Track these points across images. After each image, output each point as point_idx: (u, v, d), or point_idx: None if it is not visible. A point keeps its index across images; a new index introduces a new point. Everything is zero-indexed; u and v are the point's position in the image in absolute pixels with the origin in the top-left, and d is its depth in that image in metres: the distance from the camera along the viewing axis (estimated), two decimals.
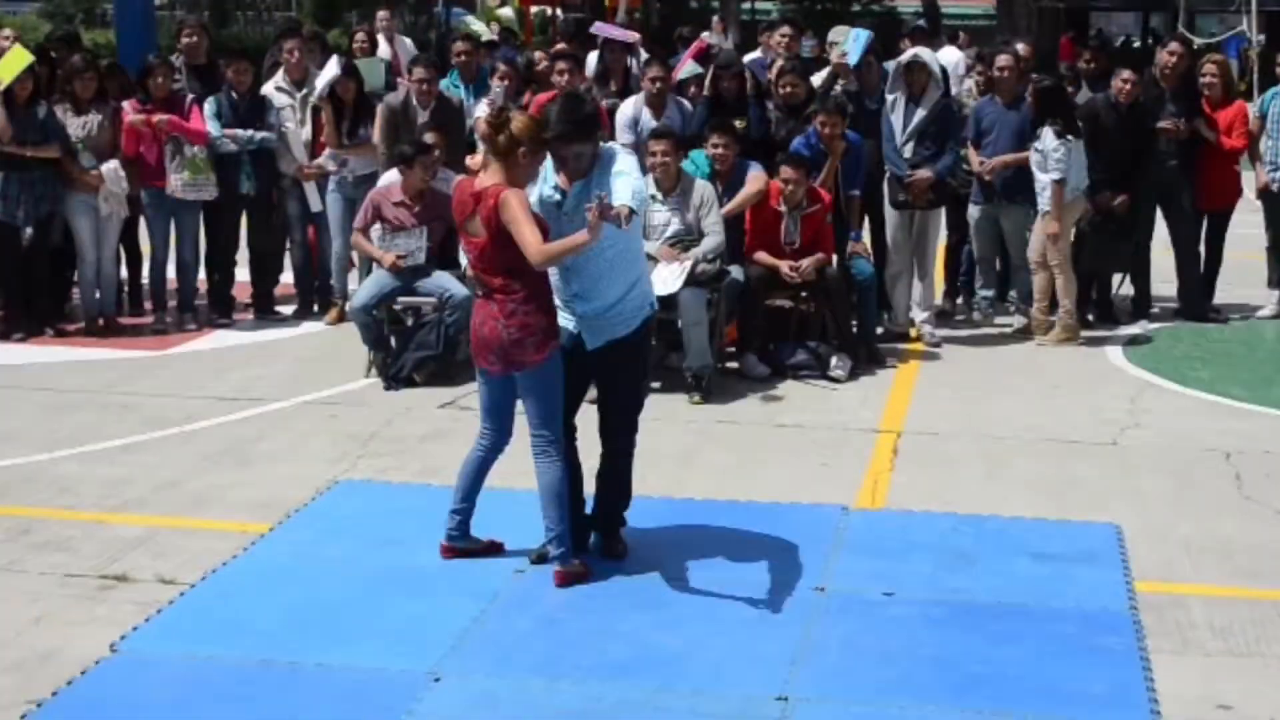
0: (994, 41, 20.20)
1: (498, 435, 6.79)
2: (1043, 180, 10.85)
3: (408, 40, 17.58)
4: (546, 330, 6.45)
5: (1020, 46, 12.24)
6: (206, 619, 6.20)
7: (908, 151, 10.95)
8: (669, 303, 9.61)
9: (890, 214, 11.19)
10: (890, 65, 11.46)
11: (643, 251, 7.04)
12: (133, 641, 5.95)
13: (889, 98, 11.03)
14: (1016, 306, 11.71)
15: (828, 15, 37.39)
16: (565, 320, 6.63)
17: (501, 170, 6.41)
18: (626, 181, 6.32)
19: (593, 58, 13.13)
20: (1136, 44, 41.50)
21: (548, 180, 6.65)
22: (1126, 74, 11.54)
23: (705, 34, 14.65)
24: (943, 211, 11.32)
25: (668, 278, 9.56)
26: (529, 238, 6.27)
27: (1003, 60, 11.58)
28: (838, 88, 11.47)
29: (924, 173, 10.87)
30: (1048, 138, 10.80)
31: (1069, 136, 10.81)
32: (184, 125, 11.39)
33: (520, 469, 7.06)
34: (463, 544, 6.81)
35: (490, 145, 6.49)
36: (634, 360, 6.73)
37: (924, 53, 11.26)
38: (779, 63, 11.86)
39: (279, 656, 5.83)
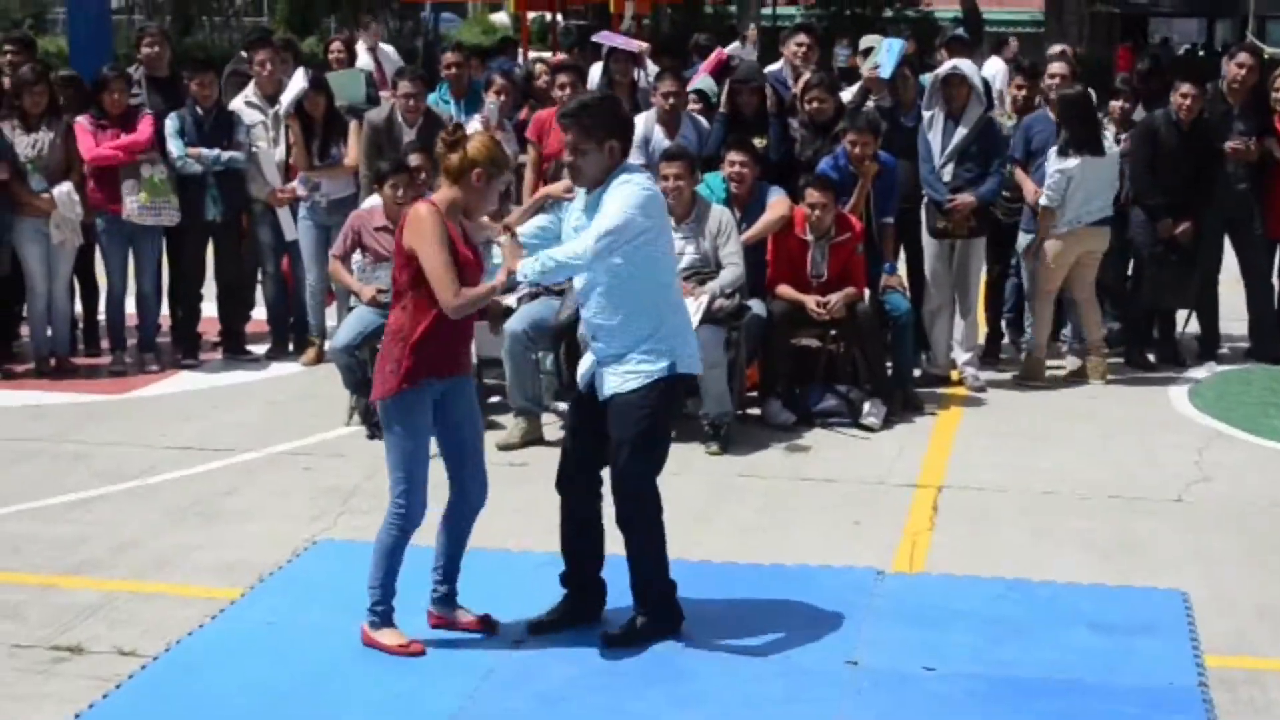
0: (1042, 50, 20.25)
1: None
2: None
3: (391, 50, 17.67)
4: (400, 367, 6.40)
5: (1063, 49, 12.28)
6: (171, 696, 6.20)
7: (947, 174, 10.96)
8: None
9: (929, 243, 11.20)
10: (927, 79, 11.51)
11: (670, 299, 6.77)
12: None
13: (926, 115, 11.05)
14: (1070, 346, 11.73)
15: (858, 21, 37.57)
16: (585, 361, 6.78)
17: (451, 192, 6.45)
18: (571, 243, 6.47)
19: (596, 70, 13.19)
20: (1202, 52, 41.58)
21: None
22: (1186, 88, 11.54)
23: (734, 44, 14.72)
24: (984, 241, 11.31)
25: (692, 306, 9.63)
26: (438, 270, 6.28)
27: (1056, 68, 11.64)
28: (870, 103, 11.48)
29: (966, 197, 10.89)
30: (1052, 154, 10.89)
31: (1083, 153, 10.90)
32: (122, 145, 11.41)
33: (513, 528, 7.06)
34: (449, 613, 6.80)
35: (442, 163, 6.52)
36: (630, 425, 6.56)
37: (964, 65, 11.26)
38: (803, 76, 11.87)
39: None
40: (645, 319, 6.56)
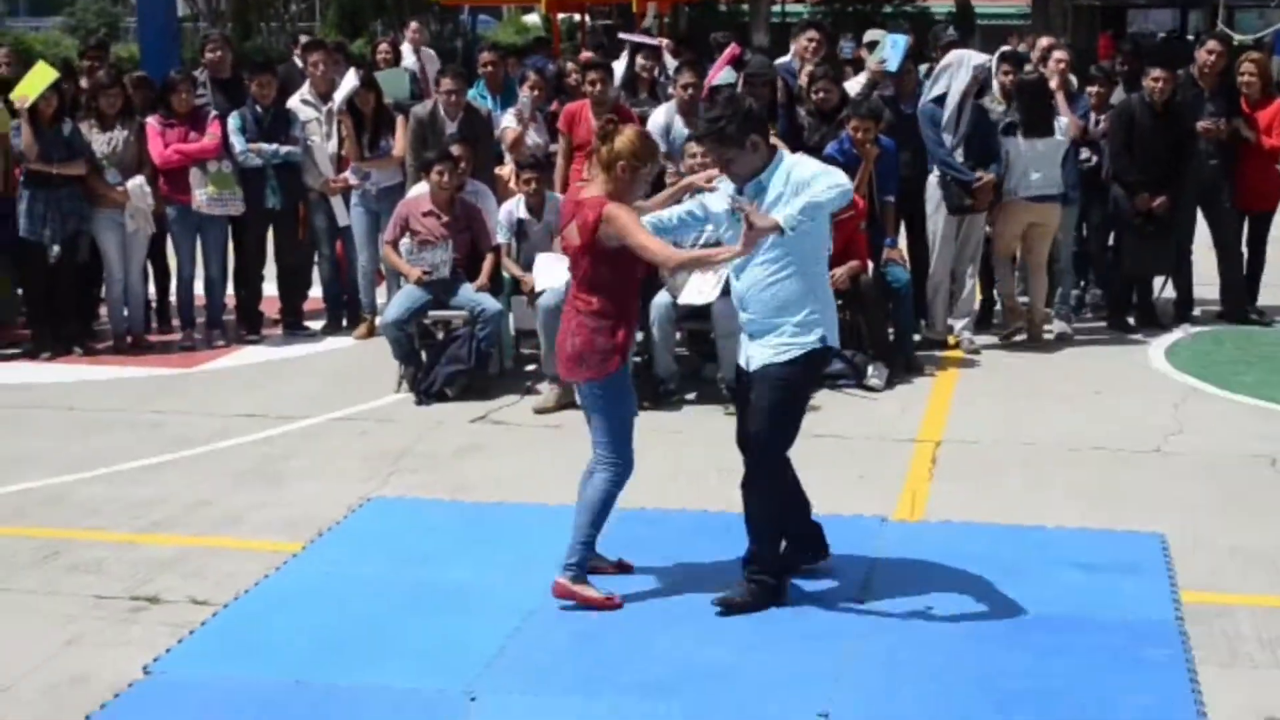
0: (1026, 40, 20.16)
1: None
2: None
3: (432, 53, 17.68)
4: (608, 352, 6.37)
5: (1045, 41, 12.23)
6: (239, 640, 6.23)
7: (959, 156, 10.93)
8: (703, 313, 9.68)
9: (941, 220, 11.11)
10: (927, 69, 11.48)
11: (823, 271, 6.50)
12: (165, 663, 5.98)
13: (945, 104, 10.96)
14: (1058, 311, 11.68)
15: (859, 16, 37.43)
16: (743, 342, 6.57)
17: (605, 183, 6.41)
18: (803, 196, 6.02)
19: (620, 64, 13.17)
20: (1188, 36, 41.20)
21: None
22: (1157, 72, 11.48)
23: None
24: (984, 215, 11.24)
25: (704, 288, 9.60)
26: (648, 243, 6.25)
27: (1060, 54, 11.63)
28: (875, 95, 11.44)
29: (989, 175, 10.86)
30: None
31: (1031, 136, 10.91)
32: (188, 151, 11.45)
33: (548, 485, 7.03)
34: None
35: (596, 155, 6.51)
36: (772, 394, 6.34)
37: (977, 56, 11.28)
38: (808, 68, 11.83)
39: (312, 678, 5.86)
40: (806, 287, 6.29)
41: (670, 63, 12.61)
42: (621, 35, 14.22)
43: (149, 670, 5.92)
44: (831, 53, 13.22)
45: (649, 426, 9.26)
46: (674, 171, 9.85)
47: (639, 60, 12.54)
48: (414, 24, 17.87)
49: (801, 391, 6.48)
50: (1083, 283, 12.44)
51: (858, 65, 13.13)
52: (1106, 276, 12.13)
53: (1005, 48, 14.37)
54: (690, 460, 8.20)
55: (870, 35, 13.38)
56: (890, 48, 11.61)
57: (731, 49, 12.80)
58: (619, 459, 6.49)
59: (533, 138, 11.65)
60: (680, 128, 10.94)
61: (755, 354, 6.40)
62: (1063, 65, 11.62)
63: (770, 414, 6.36)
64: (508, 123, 11.70)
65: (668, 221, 6.68)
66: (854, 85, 11.82)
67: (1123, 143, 11.41)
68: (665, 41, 14.01)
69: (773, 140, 6.56)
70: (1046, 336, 11.42)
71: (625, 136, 6.41)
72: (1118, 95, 12.04)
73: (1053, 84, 11.38)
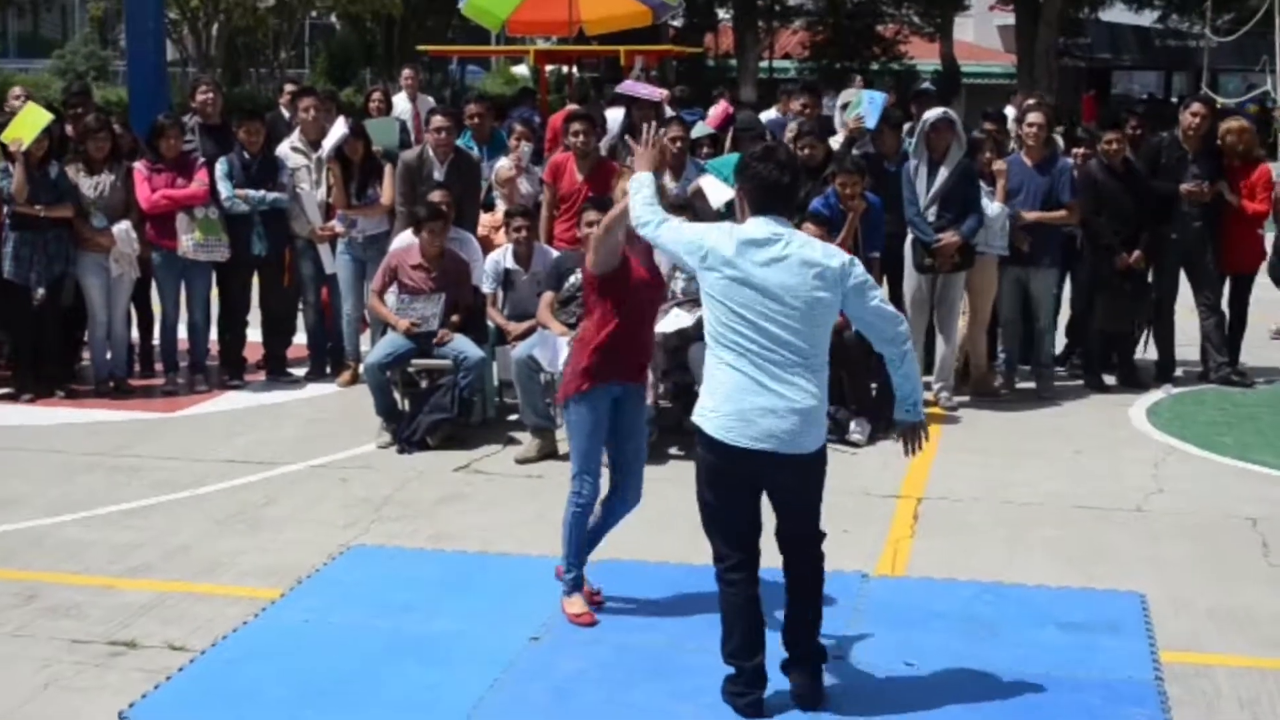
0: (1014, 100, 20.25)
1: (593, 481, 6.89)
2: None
3: (429, 99, 17.76)
4: (578, 374, 6.73)
5: (1029, 100, 12.28)
6: (216, 687, 6.19)
7: (931, 215, 10.94)
8: (686, 363, 9.74)
9: (910, 278, 11.18)
10: (909, 127, 11.52)
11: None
12: (141, 710, 5.94)
13: (912, 162, 11.04)
14: (1035, 370, 11.72)
15: (846, 73, 37.63)
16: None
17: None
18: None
19: (617, 115, 13.22)
20: (1172, 99, 41.51)
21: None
22: (1110, 135, 11.70)
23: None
24: (964, 275, 11.24)
25: (684, 317, 9.71)
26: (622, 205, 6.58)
27: (1034, 117, 11.57)
28: (855, 151, 11.50)
29: (951, 237, 10.87)
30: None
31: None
32: (175, 196, 11.45)
33: (532, 535, 7.02)
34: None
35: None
36: (820, 482, 6.04)
37: (950, 111, 11.24)
38: (792, 124, 11.93)
39: None
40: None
41: (670, 113, 12.70)
42: (620, 88, 14.27)
43: (125, 716, 5.88)
44: (818, 112, 13.42)
45: None
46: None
47: (635, 112, 12.61)
48: (408, 71, 17.91)
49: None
50: (1067, 341, 12.50)
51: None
52: (1082, 334, 12.20)
53: (989, 108, 14.48)
54: (672, 513, 8.19)
55: (844, 96, 13.47)
56: (867, 104, 11.69)
57: (724, 106, 12.89)
58: (579, 483, 6.80)
59: (525, 186, 11.68)
60: (666, 180, 10.97)
61: (814, 433, 5.87)
62: (1035, 129, 11.60)
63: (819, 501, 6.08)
64: (503, 164, 11.72)
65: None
66: (835, 143, 11.88)
67: (1092, 208, 11.52)
68: (663, 93, 14.11)
69: None
70: (1004, 393, 11.54)
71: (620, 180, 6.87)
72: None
73: (987, 157, 11.46)
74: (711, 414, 5.83)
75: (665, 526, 7.92)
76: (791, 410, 5.69)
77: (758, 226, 5.79)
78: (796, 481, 5.91)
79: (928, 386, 11.34)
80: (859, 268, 5.82)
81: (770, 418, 5.70)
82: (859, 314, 5.85)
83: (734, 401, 5.75)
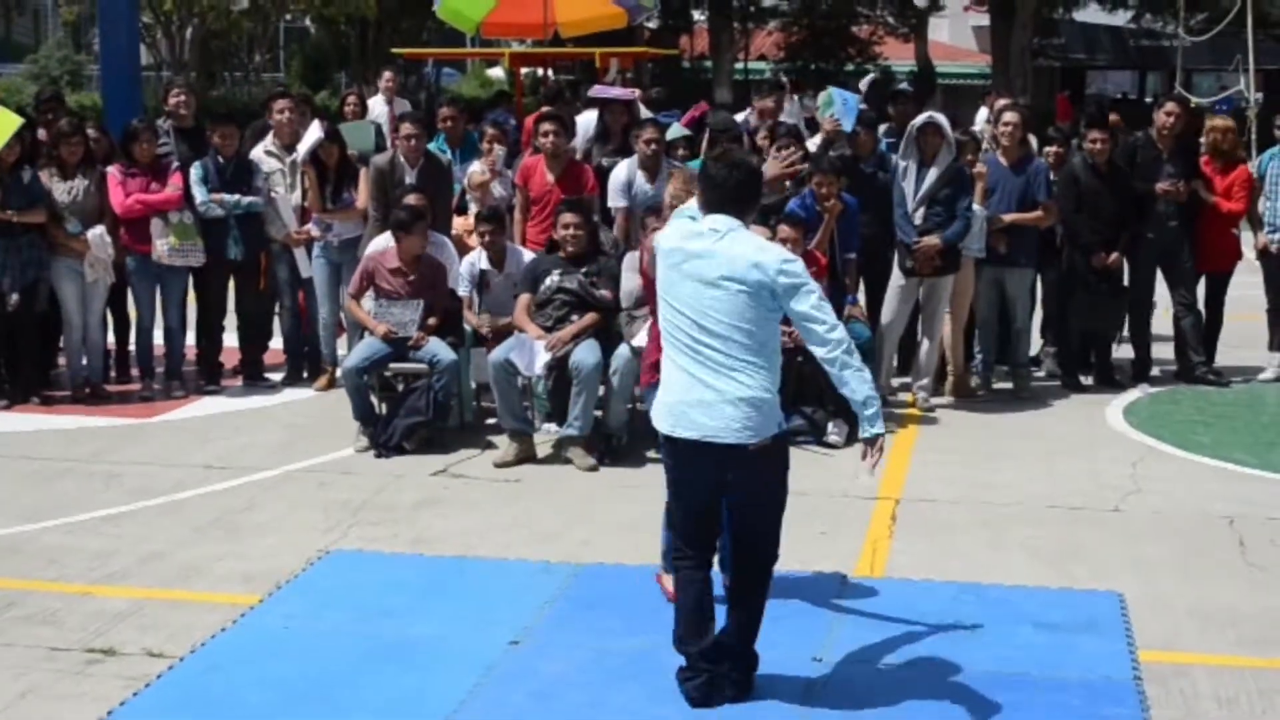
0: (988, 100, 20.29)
1: None
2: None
3: (406, 102, 17.74)
4: (646, 368, 7.03)
5: (1001, 101, 12.28)
6: (195, 694, 6.18)
7: (918, 218, 10.92)
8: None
9: (894, 280, 11.19)
10: (886, 127, 11.54)
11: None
12: (120, 717, 5.93)
13: (901, 164, 11.01)
14: (1013, 371, 11.75)
15: (821, 74, 37.72)
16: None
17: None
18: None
19: (590, 117, 13.22)
20: (1147, 99, 41.67)
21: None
22: (1095, 134, 11.68)
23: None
24: (951, 279, 11.20)
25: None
26: None
27: (1010, 117, 11.58)
28: (831, 152, 11.51)
29: (931, 240, 10.86)
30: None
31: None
32: (149, 201, 11.42)
33: (510, 540, 7.00)
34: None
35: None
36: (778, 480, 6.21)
37: (938, 116, 11.25)
38: (762, 127, 11.95)
39: None
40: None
41: (646, 114, 12.70)
42: (591, 92, 14.27)
43: None
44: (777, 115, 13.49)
45: (607, 482, 9.32)
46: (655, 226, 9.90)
47: (607, 115, 12.61)
48: (387, 73, 17.89)
49: None
50: (1042, 342, 12.53)
51: (814, 123, 13.27)
52: (1059, 334, 12.22)
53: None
54: (651, 516, 8.19)
55: (822, 97, 13.50)
56: (840, 104, 11.69)
57: (698, 106, 12.90)
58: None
59: (498, 190, 11.67)
60: (642, 183, 10.99)
61: (756, 424, 5.87)
62: (1009, 129, 11.63)
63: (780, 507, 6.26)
64: (476, 168, 11.71)
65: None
66: (812, 144, 11.89)
67: (1073, 206, 11.54)
68: (636, 93, 14.11)
69: None
70: (981, 393, 11.58)
71: (672, 184, 7.14)
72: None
73: (969, 159, 11.44)
74: (657, 406, 6.03)
75: (645, 529, 7.92)
76: (724, 400, 5.79)
77: (699, 223, 5.93)
78: (743, 477, 5.97)
79: (907, 388, 11.38)
80: (796, 267, 5.85)
81: (701, 409, 5.82)
82: (792, 314, 5.89)
83: (675, 394, 5.91)
